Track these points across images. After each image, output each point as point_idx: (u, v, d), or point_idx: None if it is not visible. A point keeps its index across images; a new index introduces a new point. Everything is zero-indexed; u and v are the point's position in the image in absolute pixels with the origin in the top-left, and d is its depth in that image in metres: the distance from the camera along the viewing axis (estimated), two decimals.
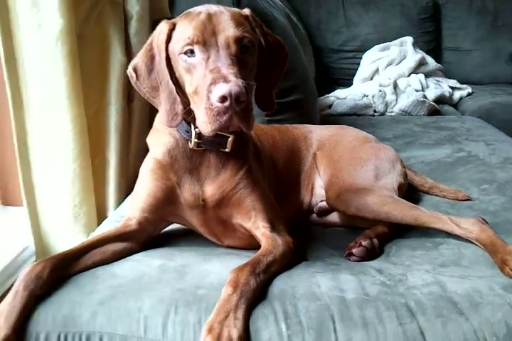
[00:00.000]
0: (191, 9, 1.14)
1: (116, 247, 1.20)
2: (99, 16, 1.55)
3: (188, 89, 1.08)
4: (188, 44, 1.06)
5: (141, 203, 1.24)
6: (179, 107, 1.12)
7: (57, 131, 1.56)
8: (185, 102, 1.12)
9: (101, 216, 1.72)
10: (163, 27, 1.13)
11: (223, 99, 0.99)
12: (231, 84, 0.99)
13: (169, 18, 1.18)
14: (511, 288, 1.05)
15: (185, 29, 1.08)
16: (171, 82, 1.12)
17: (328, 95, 2.91)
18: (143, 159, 1.87)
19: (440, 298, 1.03)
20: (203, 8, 1.11)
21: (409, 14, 3.49)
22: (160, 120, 1.19)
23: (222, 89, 0.98)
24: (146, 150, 1.89)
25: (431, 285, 1.08)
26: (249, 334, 0.96)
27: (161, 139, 1.23)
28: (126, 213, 1.28)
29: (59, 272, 1.08)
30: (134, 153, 1.81)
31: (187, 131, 1.18)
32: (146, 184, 1.24)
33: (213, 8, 1.11)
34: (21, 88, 1.51)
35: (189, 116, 1.13)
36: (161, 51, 1.12)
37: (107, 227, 1.35)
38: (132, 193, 1.32)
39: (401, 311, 0.99)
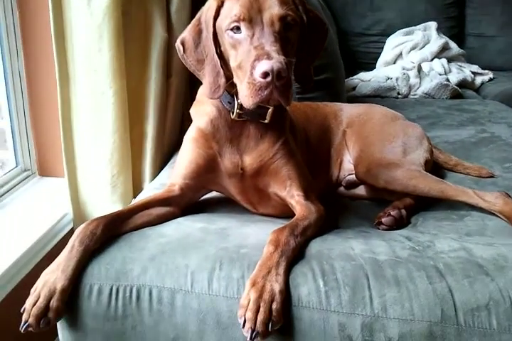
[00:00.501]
0: None
1: (160, 211, 1.27)
2: None
3: (233, 64, 1.14)
4: (235, 21, 1.11)
5: (183, 170, 1.31)
6: (222, 80, 1.18)
7: (99, 104, 1.63)
8: (229, 76, 1.18)
9: (137, 186, 1.81)
10: (212, 3, 1.18)
11: (265, 74, 1.04)
12: (273, 60, 1.04)
13: None
14: None
15: (233, 6, 1.13)
16: (216, 56, 1.17)
17: (352, 77, 2.96)
18: (178, 132, 1.95)
19: (467, 262, 1.10)
20: None
21: None
22: (203, 92, 1.25)
23: (264, 65, 1.04)
24: (182, 124, 1.97)
25: (458, 250, 1.15)
26: (289, 289, 1.04)
27: (204, 110, 1.29)
28: (170, 179, 1.36)
29: (111, 230, 1.17)
30: (169, 126, 1.88)
31: (229, 102, 1.24)
32: (189, 152, 1.31)
33: None
34: (68, 62, 1.59)
35: (232, 89, 1.19)
36: (208, 26, 1.18)
37: (148, 194, 1.43)
38: (175, 160, 1.39)
39: (431, 272, 1.06)
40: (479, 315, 1.00)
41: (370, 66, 3.28)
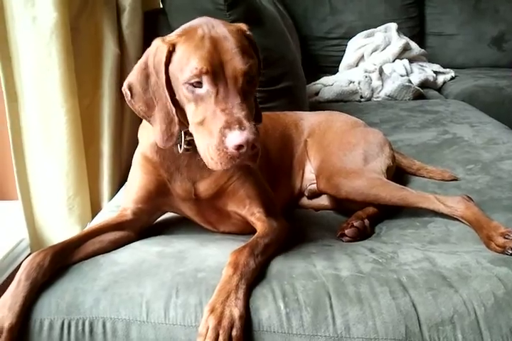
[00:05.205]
0: (188, 27, 1.09)
1: (114, 236, 1.22)
2: (92, 9, 1.57)
3: (192, 119, 1.06)
4: (196, 75, 1.02)
5: (134, 195, 1.25)
6: (175, 128, 1.09)
7: (51, 124, 1.58)
8: (183, 122, 1.10)
9: (95, 207, 1.75)
10: (160, 48, 1.08)
11: (239, 147, 0.98)
12: (246, 131, 0.97)
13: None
14: (498, 261, 1.10)
15: (190, 56, 1.03)
16: (170, 104, 1.08)
17: (314, 82, 2.94)
18: (135, 150, 1.89)
19: (430, 273, 1.07)
20: (204, 30, 1.05)
21: (393, 0, 3.51)
22: (155, 139, 1.14)
23: (238, 138, 0.97)
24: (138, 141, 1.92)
25: (421, 261, 1.12)
26: (249, 312, 1.00)
27: (149, 138, 1.21)
28: (121, 203, 1.30)
29: (60, 260, 1.10)
30: (126, 144, 1.83)
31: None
32: (138, 177, 1.25)
33: (215, 29, 1.06)
34: (16, 82, 1.53)
35: (183, 127, 1.11)
36: (159, 72, 1.08)
37: (103, 217, 1.37)
38: (126, 183, 1.34)
39: (394, 286, 1.03)
40: (444, 329, 0.97)
41: (333, 69, 3.27)
